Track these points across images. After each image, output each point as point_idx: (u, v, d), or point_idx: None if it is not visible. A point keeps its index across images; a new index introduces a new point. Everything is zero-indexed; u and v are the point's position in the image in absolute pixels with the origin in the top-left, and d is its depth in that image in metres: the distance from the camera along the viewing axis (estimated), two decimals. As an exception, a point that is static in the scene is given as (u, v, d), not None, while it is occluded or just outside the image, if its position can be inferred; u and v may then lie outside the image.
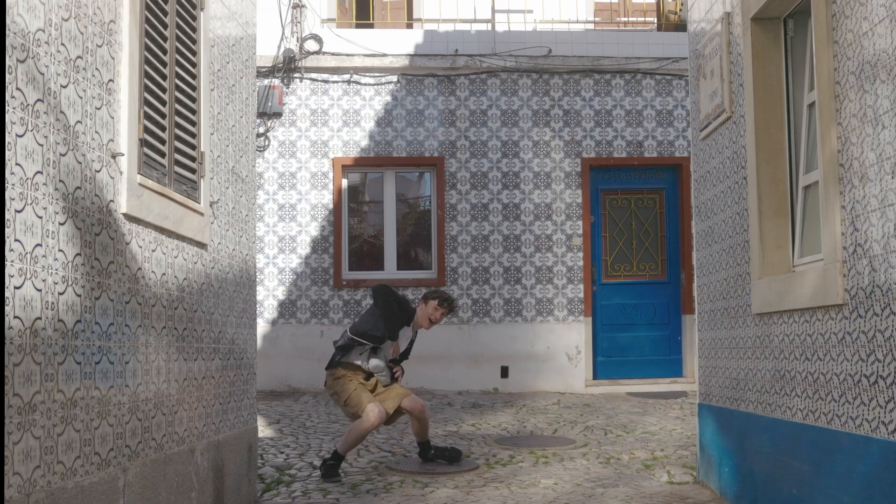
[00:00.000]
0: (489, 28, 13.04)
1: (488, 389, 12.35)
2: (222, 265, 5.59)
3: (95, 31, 3.76)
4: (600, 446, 8.38)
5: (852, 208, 4.17)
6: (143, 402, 4.24)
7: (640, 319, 12.76)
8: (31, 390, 3.14)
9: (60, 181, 3.39)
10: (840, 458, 4.33)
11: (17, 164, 3.05)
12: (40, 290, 3.22)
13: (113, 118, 3.93)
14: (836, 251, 4.33)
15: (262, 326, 12.29)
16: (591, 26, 13.32)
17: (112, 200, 3.89)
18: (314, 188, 12.51)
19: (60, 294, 3.38)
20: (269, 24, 12.24)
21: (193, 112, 5.03)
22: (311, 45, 12.53)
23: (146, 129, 4.30)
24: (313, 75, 12.60)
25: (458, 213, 12.57)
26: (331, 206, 12.50)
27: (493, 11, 13.01)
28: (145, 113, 4.29)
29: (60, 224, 3.38)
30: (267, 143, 12.49)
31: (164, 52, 4.60)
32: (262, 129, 12.47)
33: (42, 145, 3.25)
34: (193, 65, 5.06)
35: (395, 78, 12.65)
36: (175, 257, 4.71)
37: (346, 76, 12.62)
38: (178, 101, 4.81)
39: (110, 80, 3.92)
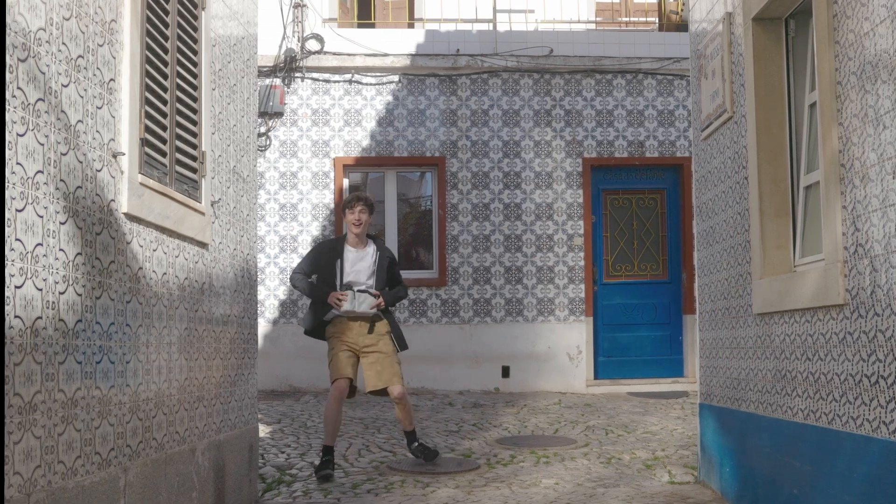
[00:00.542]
0: (490, 28, 13.02)
1: (489, 389, 12.33)
2: (223, 265, 5.59)
3: (96, 30, 3.76)
4: (601, 446, 8.37)
5: (853, 208, 4.17)
6: (144, 401, 4.23)
7: (641, 319, 12.74)
8: (32, 390, 3.14)
9: (61, 181, 3.39)
10: (841, 458, 4.33)
11: (17, 163, 3.05)
12: (41, 290, 3.22)
13: (114, 117, 3.93)
14: (837, 251, 4.32)
15: (263, 326, 12.28)
16: (593, 26, 13.31)
17: (113, 200, 3.89)
18: (315, 188, 12.50)
19: (61, 293, 3.38)
20: (270, 24, 12.22)
21: (195, 112, 5.03)
22: (312, 45, 12.52)
23: (147, 129, 4.30)
24: (315, 75, 12.59)
25: (459, 212, 12.56)
26: (332, 205, 12.49)
27: (495, 11, 12.99)
28: (146, 112, 4.29)
29: (61, 223, 3.38)
30: (268, 142, 12.48)
31: (166, 51, 4.60)
32: (263, 129, 12.45)
33: (43, 145, 3.25)
34: (195, 64, 5.05)
35: (396, 78, 12.64)
36: (176, 257, 4.71)
37: (348, 76, 12.61)
38: (180, 100, 4.80)
39: (111, 80, 3.91)
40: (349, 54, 12.51)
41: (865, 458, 4.07)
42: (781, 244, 5.39)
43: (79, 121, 3.56)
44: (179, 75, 4.81)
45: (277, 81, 12.46)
